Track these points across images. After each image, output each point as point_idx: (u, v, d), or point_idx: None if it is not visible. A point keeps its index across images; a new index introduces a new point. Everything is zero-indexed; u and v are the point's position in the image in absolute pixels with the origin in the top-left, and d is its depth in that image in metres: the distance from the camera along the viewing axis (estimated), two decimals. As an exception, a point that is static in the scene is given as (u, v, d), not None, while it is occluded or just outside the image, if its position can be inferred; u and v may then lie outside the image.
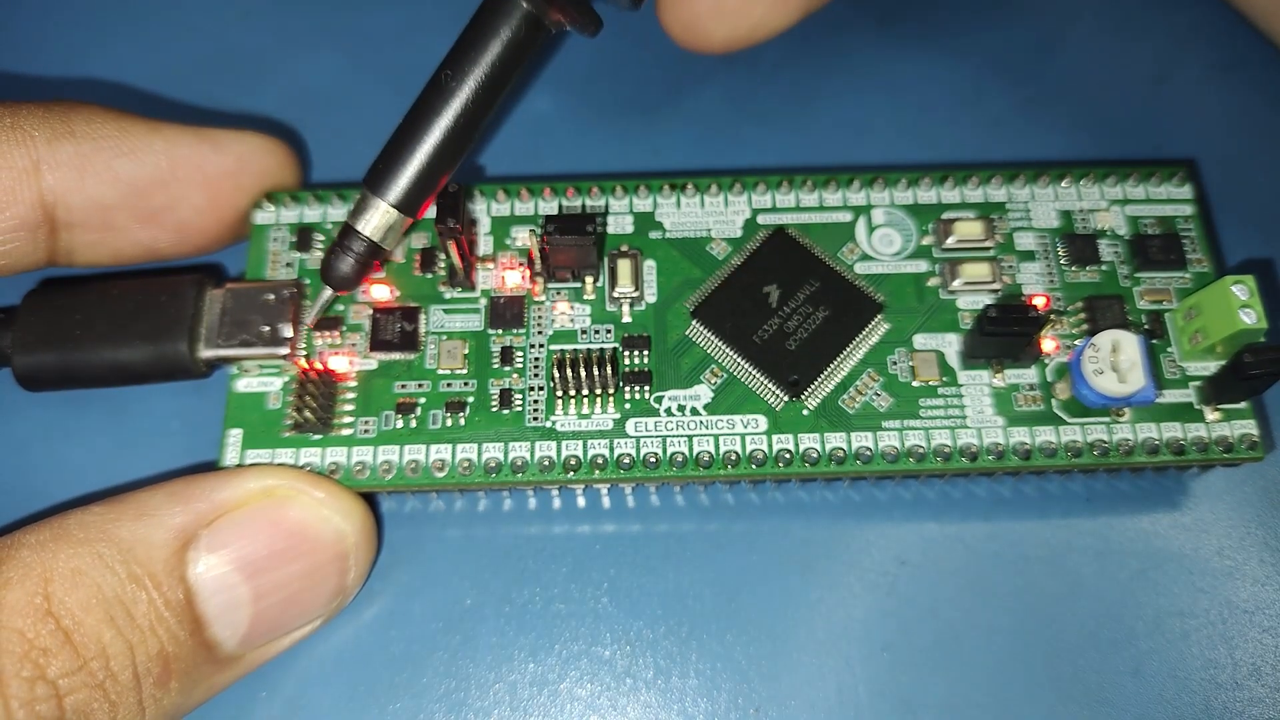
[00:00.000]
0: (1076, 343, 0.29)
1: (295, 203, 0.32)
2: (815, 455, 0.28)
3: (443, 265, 0.31)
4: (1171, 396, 0.29)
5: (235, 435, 0.29)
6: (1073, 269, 0.31)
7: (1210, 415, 0.29)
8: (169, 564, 0.25)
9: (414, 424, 0.29)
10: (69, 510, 0.26)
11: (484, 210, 0.32)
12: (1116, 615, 0.29)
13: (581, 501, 0.31)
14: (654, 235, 0.31)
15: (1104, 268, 0.31)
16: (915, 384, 0.29)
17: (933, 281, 0.31)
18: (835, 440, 0.29)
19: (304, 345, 0.30)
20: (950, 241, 0.31)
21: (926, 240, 0.31)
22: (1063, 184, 0.32)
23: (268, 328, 0.29)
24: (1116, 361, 0.28)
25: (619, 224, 0.31)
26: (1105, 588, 0.29)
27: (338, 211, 0.32)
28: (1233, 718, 0.28)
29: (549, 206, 0.32)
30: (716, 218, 0.32)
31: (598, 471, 0.28)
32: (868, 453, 0.28)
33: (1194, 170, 0.32)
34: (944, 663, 0.29)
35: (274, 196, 0.32)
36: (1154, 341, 0.30)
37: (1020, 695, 0.28)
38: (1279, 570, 0.30)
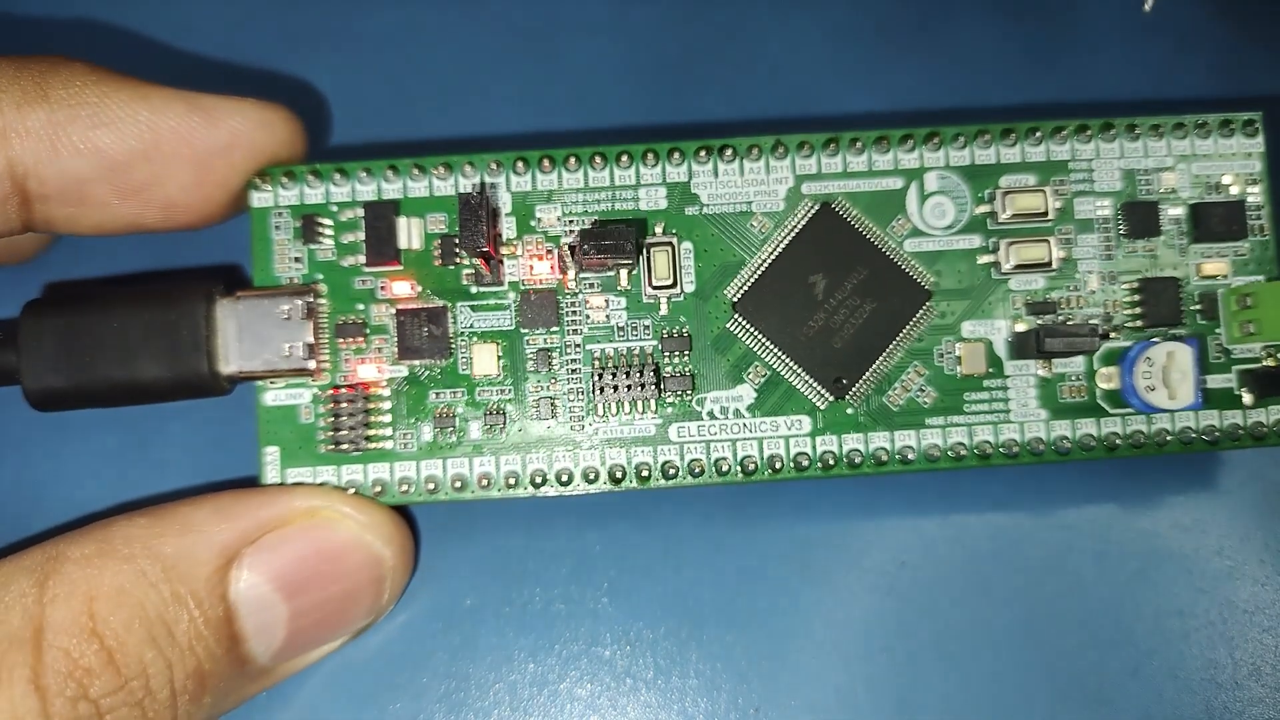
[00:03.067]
0: (1127, 325, 0.29)
1: (293, 181, 0.29)
2: (858, 458, 0.28)
3: (467, 262, 0.29)
4: (1213, 382, 0.29)
5: (272, 453, 0.28)
6: (1131, 244, 0.29)
7: (1247, 398, 0.29)
8: (210, 581, 0.25)
9: (454, 437, 0.28)
10: (112, 519, 0.26)
11: (503, 184, 0.29)
12: (1116, 615, 0.30)
13: (584, 507, 0.31)
14: (690, 210, 0.29)
15: (1163, 237, 0.29)
16: (961, 376, 0.29)
17: (985, 259, 0.29)
18: (879, 440, 0.29)
19: (328, 356, 0.28)
20: (1006, 215, 0.29)
21: (981, 209, 0.29)
22: (1129, 137, 0.29)
23: (288, 345, 0.28)
24: (1169, 371, 0.27)
25: (652, 197, 0.29)
26: (1105, 588, 0.30)
27: (341, 191, 0.29)
28: (1233, 718, 0.30)
29: (574, 178, 0.29)
30: (757, 187, 0.29)
31: (640, 483, 0.28)
32: (910, 453, 0.28)
33: (1274, 114, 0.29)
34: (943, 663, 0.30)
35: (270, 174, 0.29)
36: (1203, 322, 0.29)
37: (1020, 695, 0.30)
38: (1279, 570, 0.31)
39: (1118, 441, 0.29)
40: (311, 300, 0.28)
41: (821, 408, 0.29)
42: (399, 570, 0.29)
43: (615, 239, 0.26)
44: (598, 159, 0.29)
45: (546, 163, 0.29)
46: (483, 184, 0.27)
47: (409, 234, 0.29)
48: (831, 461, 0.28)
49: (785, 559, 0.31)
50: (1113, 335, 0.29)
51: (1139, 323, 0.29)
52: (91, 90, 0.26)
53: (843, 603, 0.31)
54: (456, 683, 0.30)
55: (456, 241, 0.28)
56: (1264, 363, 0.29)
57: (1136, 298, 0.29)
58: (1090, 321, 0.28)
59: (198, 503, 0.26)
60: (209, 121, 0.27)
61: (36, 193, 0.27)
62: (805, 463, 0.28)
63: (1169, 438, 0.29)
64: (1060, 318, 0.29)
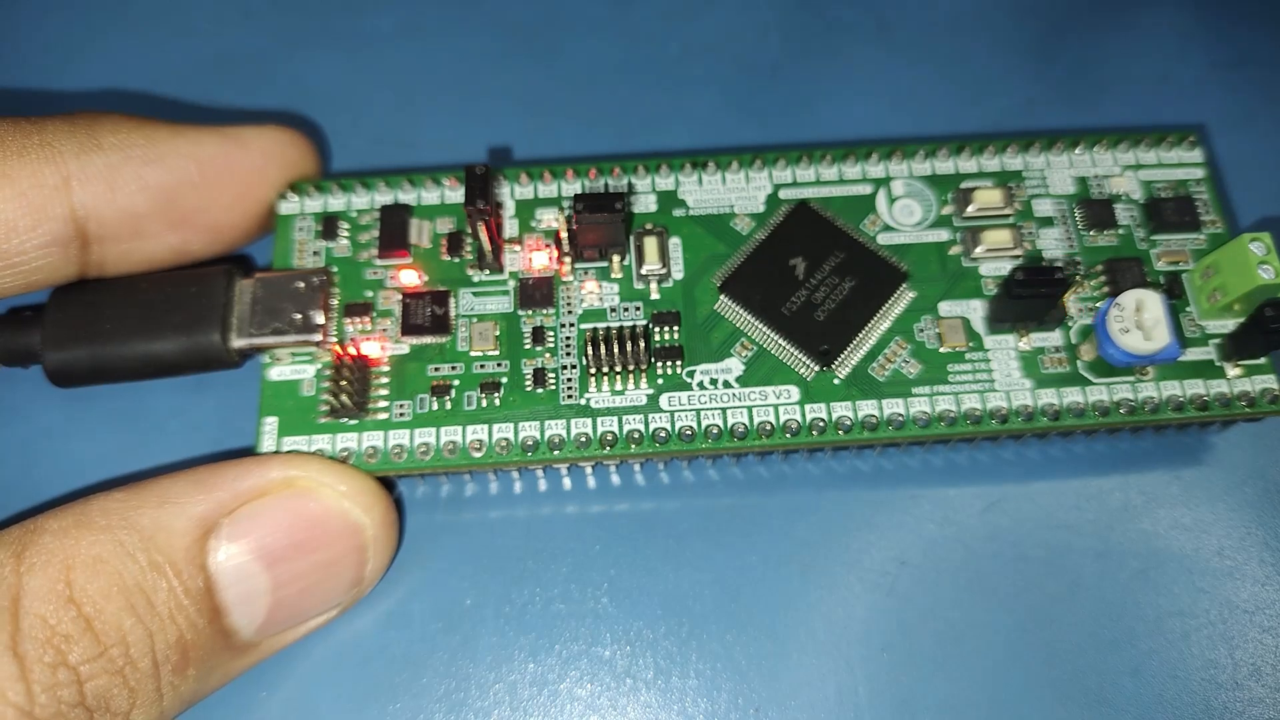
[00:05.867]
0: (1099, 304, 0.30)
1: (319, 192, 0.32)
2: (849, 423, 0.29)
3: (470, 249, 0.31)
4: (1193, 354, 0.30)
5: (271, 423, 0.29)
6: (1091, 233, 0.31)
7: (1231, 371, 0.29)
8: (189, 552, 0.25)
9: (449, 406, 0.29)
10: (91, 496, 0.26)
11: (508, 194, 0.32)
12: (1116, 615, 0.29)
13: (591, 482, 0.31)
14: (677, 213, 0.32)
15: (1121, 231, 0.31)
16: (943, 350, 0.30)
17: (955, 250, 0.31)
18: (867, 408, 0.29)
19: (335, 332, 0.30)
20: (970, 210, 0.31)
21: (946, 210, 0.32)
22: (1076, 151, 0.32)
23: (299, 315, 0.29)
24: (1141, 319, 0.28)
25: (643, 203, 0.32)
26: (1105, 588, 0.30)
27: (361, 199, 0.32)
28: (1233, 718, 0.28)
29: (572, 188, 0.32)
30: (739, 194, 0.32)
31: (634, 446, 0.28)
32: (900, 419, 0.29)
33: (1203, 135, 0.33)
34: (944, 663, 0.29)
35: (298, 187, 0.32)
36: (1173, 302, 0.30)
37: (1020, 695, 0.28)
38: (1279, 570, 0.30)
39: (1107, 406, 0.29)
40: (324, 279, 0.30)
41: (809, 378, 0.29)
42: (381, 540, 0.28)
43: (605, 199, 0.29)
44: (593, 171, 0.32)
45: (548, 175, 0.32)
46: (486, 164, 0.30)
47: (419, 233, 0.31)
48: (822, 427, 0.29)
49: (785, 559, 0.30)
50: (1077, 279, 0.30)
51: (1106, 289, 0.30)
52: (137, 134, 0.29)
53: (843, 602, 0.29)
54: (456, 683, 0.29)
55: (464, 232, 0.31)
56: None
57: (1103, 278, 0.30)
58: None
59: (175, 476, 0.26)
60: (241, 145, 0.31)
61: (95, 234, 0.29)
62: (796, 428, 0.29)
63: (1158, 402, 0.29)
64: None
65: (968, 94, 0.37)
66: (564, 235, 0.30)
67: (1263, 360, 0.30)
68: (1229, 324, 0.30)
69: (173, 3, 0.39)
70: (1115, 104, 0.37)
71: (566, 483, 0.31)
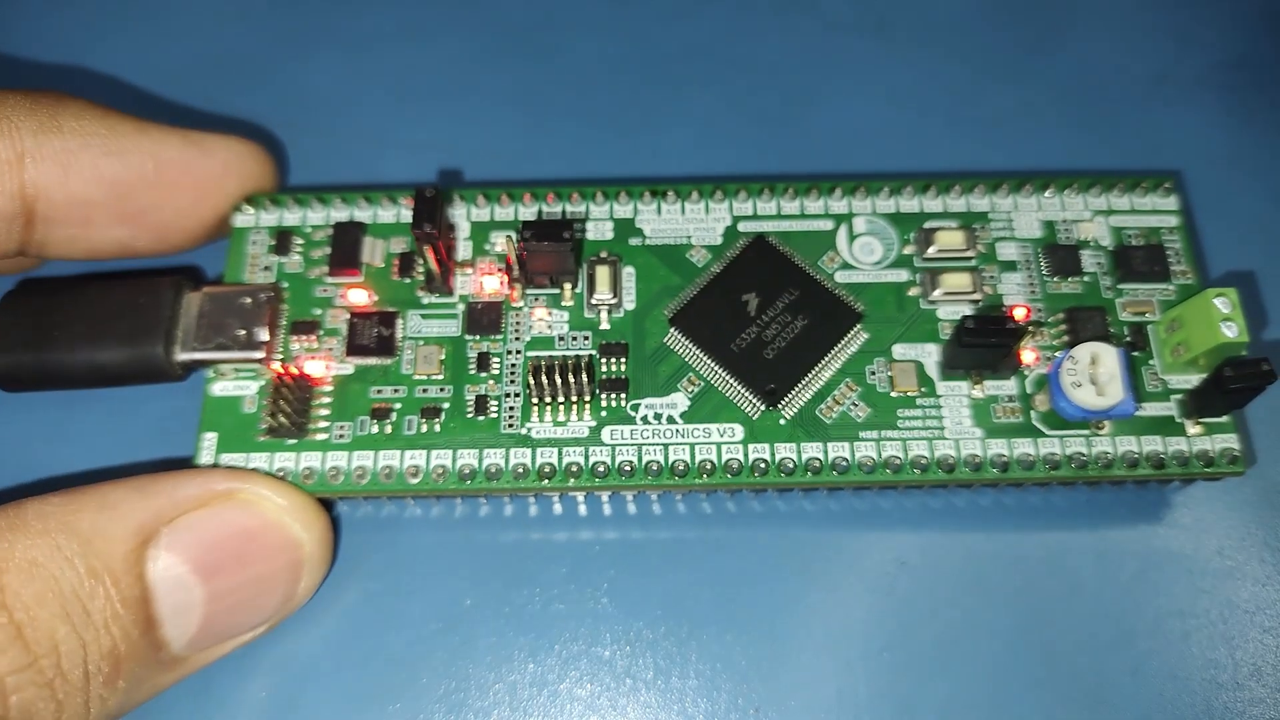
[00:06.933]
0: (1056, 354, 0.29)
1: (275, 206, 0.32)
2: (791, 465, 0.28)
3: (421, 270, 0.31)
4: (1152, 410, 0.29)
5: (210, 439, 0.29)
6: (1055, 280, 0.30)
7: (1191, 429, 0.29)
8: (128, 559, 0.24)
9: (389, 429, 0.29)
10: (27, 499, 0.25)
11: (463, 215, 0.32)
12: (1116, 616, 0.29)
13: (582, 508, 0.31)
14: (634, 242, 0.31)
15: (1086, 279, 0.30)
16: (894, 394, 0.29)
17: (913, 291, 0.30)
18: (812, 450, 0.28)
19: (280, 349, 0.30)
20: (931, 251, 0.30)
21: (908, 249, 0.31)
22: (1046, 194, 0.31)
23: (243, 331, 0.29)
24: (1095, 374, 0.28)
25: (598, 230, 0.31)
26: (1105, 588, 0.29)
27: (317, 215, 0.32)
28: (1233, 718, 0.28)
29: (529, 212, 0.32)
30: (697, 225, 0.31)
31: (573, 479, 0.28)
32: (844, 463, 0.28)
33: (1179, 182, 0.32)
34: (943, 664, 0.29)
35: (254, 200, 0.32)
36: (1136, 354, 0.29)
37: (1020, 696, 0.28)
38: (1279, 570, 0.30)
39: (1058, 459, 0.28)
40: (272, 295, 0.30)
41: (754, 417, 0.29)
42: (316, 558, 0.28)
43: (554, 227, 0.28)
44: (551, 195, 0.32)
45: (505, 197, 0.32)
46: (437, 186, 0.29)
47: (372, 252, 0.31)
48: (764, 468, 0.28)
49: (785, 559, 0.30)
50: (1031, 330, 0.29)
51: (1066, 337, 0.29)
52: (99, 123, 0.29)
53: (842, 603, 0.29)
54: (456, 683, 0.29)
55: (413, 251, 0.31)
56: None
57: (1064, 327, 0.30)
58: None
59: (116, 482, 0.26)
60: (204, 152, 0.31)
61: (43, 215, 0.29)
62: (737, 467, 0.28)
63: (1111, 458, 0.28)
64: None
65: (966, 94, 0.36)
66: (514, 260, 0.30)
67: (1225, 419, 0.29)
68: (1192, 379, 0.29)
69: (171, 3, 0.39)
70: (1113, 104, 0.36)
71: (557, 508, 0.31)
